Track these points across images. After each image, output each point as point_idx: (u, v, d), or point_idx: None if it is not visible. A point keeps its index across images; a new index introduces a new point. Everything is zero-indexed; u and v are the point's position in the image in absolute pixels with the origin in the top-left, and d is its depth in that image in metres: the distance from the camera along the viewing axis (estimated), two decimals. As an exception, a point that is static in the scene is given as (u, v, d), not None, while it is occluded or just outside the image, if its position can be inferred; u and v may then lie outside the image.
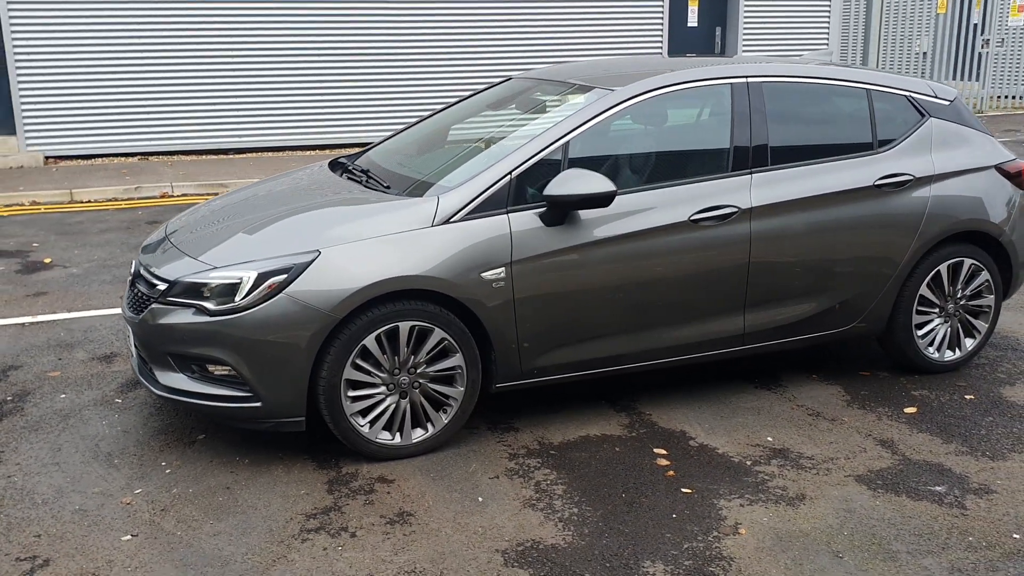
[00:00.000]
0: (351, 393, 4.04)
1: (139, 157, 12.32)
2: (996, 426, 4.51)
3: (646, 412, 4.68)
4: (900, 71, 18.45)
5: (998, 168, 5.15)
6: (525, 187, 4.27)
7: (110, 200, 10.28)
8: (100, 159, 12.18)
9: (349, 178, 4.84)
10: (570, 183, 4.13)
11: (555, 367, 4.38)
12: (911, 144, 4.97)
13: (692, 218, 4.43)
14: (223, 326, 3.91)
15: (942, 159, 5.00)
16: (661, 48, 14.72)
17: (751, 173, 4.60)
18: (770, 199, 4.59)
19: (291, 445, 4.29)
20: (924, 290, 5.01)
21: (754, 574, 3.32)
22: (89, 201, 10.25)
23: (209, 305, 3.95)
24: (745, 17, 15.29)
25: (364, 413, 4.09)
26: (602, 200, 4.16)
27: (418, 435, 4.20)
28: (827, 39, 15.62)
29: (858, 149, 4.88)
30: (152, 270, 4.26)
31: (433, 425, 4.22)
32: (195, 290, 4.00)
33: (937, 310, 5.08)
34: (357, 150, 6.22)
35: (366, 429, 4.10)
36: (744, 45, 15.28)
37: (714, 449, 4.28)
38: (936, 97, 5.14)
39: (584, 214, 4.27)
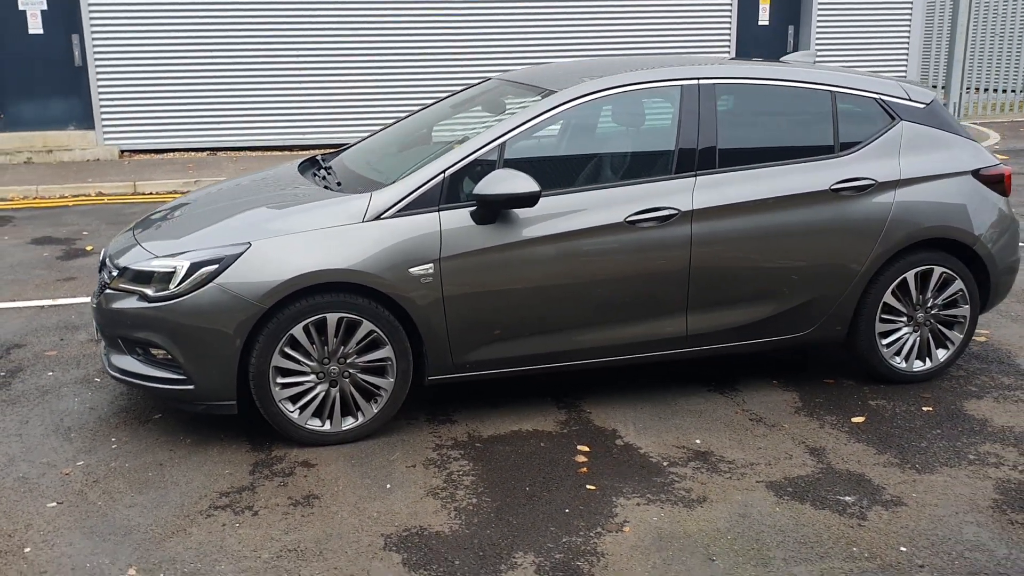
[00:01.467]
0: (280, 380, 4.23)
1: (207, 152, 12.88)
2: (940, 439, 4.40)
3: (586, 410, 4.73)
4: (987, 70, 17.72)
5: (975, 174, 5.00)
6: (459, 186, 4.38)
7: (170, 192, 10.79)
8: (171, 153, 12.79)
9: (313, 176, 5.03)
10: (497, 183, 4.22)
11: (488, 362, 4.48)
12: (877, 148, 4.87)
13: (628, 219, 4.46)
14: (159, 312, 4.16)
15: (911, 163, 4.88)
16: (728, 47, 14.53)
17: (695, 175, 4.60)
18: (714, 202, 4.57)
19: (234, 427, 4.51)
20: (889, 298, 4.90)
21: (618, 571, 3.36)
22: (150, 193, 10.79)
23: (149, 292, 4.20)
24: (819, 14, 14.93)
25: (294, 400, 4.28)
26: (527, 200, 4.24)
27: (348, 423, 4.37)
28: (907, 38, 15.12)
29: (817, 152, 4.81)
30: (110, 258, 4.55)
31: (363, 414, 4.38)
32: (139, 277, 4.26)
33: (904, 319, 4.96)
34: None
35: (296, 415, 4.29)
36: (818, 44, 14.92)
37: (637, 449, 4.31)
38: (910, 100, 5.01)
39: (518, 213, 4.35)
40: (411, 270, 4.24)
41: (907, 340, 5.00)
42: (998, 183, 5.05)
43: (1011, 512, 3.73)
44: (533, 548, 3.50)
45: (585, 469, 4.12)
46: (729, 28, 14.48)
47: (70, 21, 12.39)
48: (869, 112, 4.96)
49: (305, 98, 13.09)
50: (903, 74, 15.02)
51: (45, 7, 12.34)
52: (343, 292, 4.21)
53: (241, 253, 4.16)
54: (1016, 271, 5.21)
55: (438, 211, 4.32)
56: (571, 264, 4.43)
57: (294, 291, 4.14)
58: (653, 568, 3.37)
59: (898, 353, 5.00)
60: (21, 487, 3.99)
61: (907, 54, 15.17)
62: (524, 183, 4.21)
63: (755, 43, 14.87)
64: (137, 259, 4.35)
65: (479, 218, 4.32)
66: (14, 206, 10.13)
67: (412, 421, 4.62)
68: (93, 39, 12.34)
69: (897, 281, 4.89)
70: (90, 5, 12.22)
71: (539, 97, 4.67)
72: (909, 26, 14.99)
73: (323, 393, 4.30)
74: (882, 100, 4.96)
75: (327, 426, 4.35)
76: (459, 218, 4.32)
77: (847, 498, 3.85)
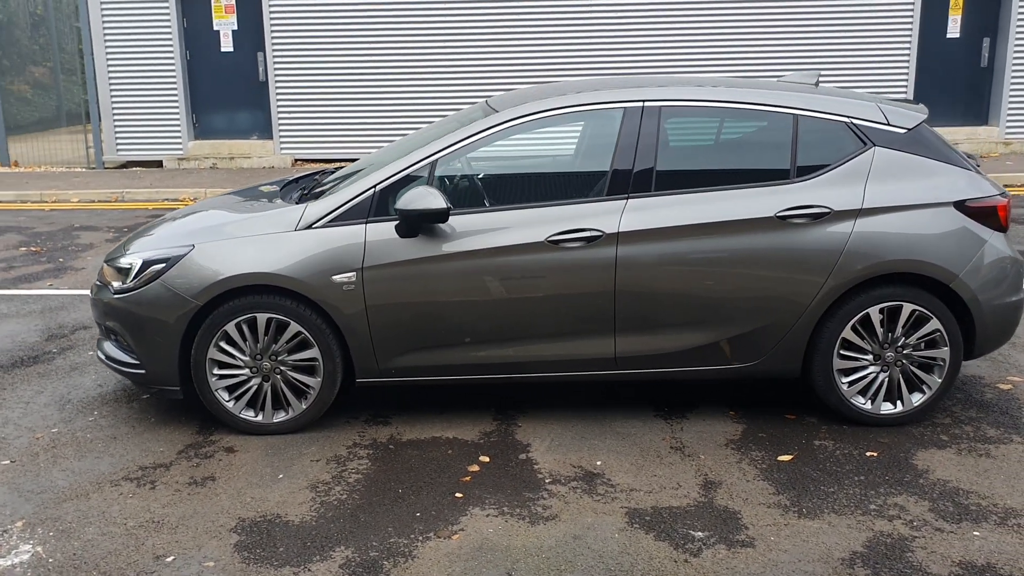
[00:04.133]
0: (217, 371, 4.66)
1: (368, 161, 13.79)
2: (856, 485, 4.14)
3: (518, 423, 4.83)
4: None
5: (959, 205, 4.62)
6: (389, 201, 4.63)
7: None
8: (339, 162, 13.78)
9: (299, 186, 5.43)
10: (414, 199, 4.44)
11: (413, 369, 4.69)
12: (839, 174, 4.63)
13: (550, 239, 4.53)
14: (119, 303, 4.71)
15: (878, 192, 4.59)
16: (908, 64, 13.64)
17: (627, 198, 4.58)
18: (642, 225, 4.54)
19: (200, 414, 4.97)
20: (849, 333, 4.63)
21: (414, 573, 3.49)
22: (299, 198, 11.72)
23: (115, 284, 4.77)
24: (1019, 26, 13.71)
25: (230, 390, 4.70)
26: (437, 216, 4.43)
27: (280, 416, 4.73)
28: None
29: (769, 177, 4.64)
30: (107, 254, 5.18)
31: (293, 409, 4.73)
32: (112, 272, 4.84)
33: (870, 357, 4.67)
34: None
35: (231, 405, 4.71)
36: (1016, 59, 13.71)
37: (534, 464, 4.38)
38: (888, 125, 4.71)
39: (442, 229, 4.55)
40: (334, 277, 4.54)
41: (874, 380, 4.70)
42: (988, 216, 4.64)
43: (857, 567, 3.49)
44: (357, 545, 3.70)
45: (468, 478, 4.25)
46: (909, 43, 13.61)
47: (256, 40, 13.68)
48: (838, 137, 4.71)
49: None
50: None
51: (236, 27, 13.70)
52: (272, 294, 4.58)
53: (185, 254, 4.63)
54: (1017, 314, 4.76)
55: (365, 223, 4.59)
56: (490, 280, 4.55)
57: (226, 291, 4.55)
58: (447, 574, 3.47)
59: (862, 393, 4.71)
60: (-6, 446, 4.67)
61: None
62: (435, 200, 4.39)
63: (941, 59, 13.90)
64: (115, 255, 4.93)
65: (401, 231, 4.55)
66: (176, 205, 11.35)
67: (351, 420, 4.91)
68: (274, 56, 13.55)
69: (859, 316, 4.61)
70: (272, 26, 13.44)
71: (483, 116, 4.82)
72: None
73: (256, 386, 4.69)
74: (854, 125, 4.70)
75: (260, 417, 4.73)
76: (384, 231, 4.57)
77: (698, 534, 3.75)
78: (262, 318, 4.59)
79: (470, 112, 5.43)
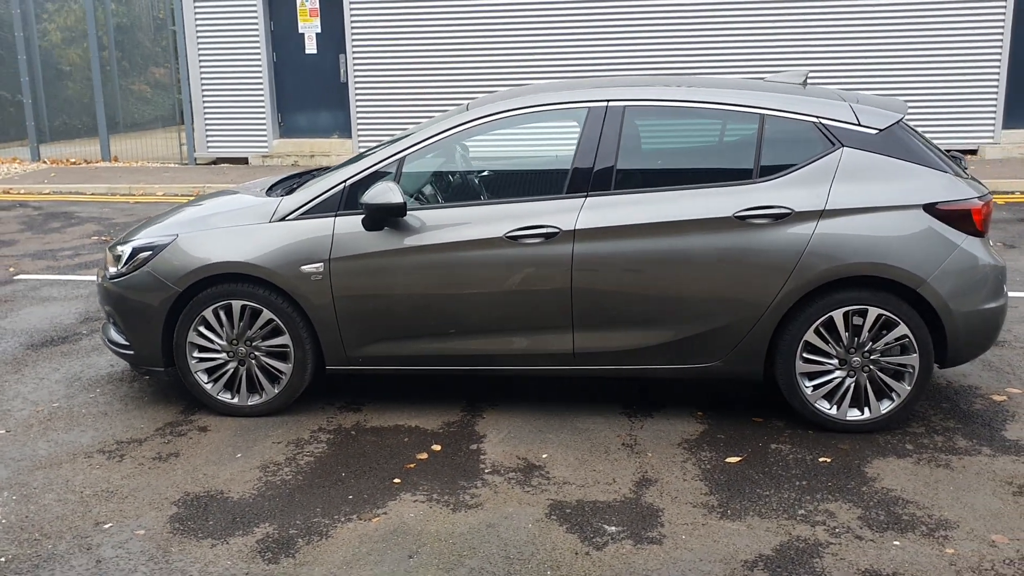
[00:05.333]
0: (196, 354, 4.93)
1: (441, 160, 14.07)
2: (794, 490, 4.08)
3: (483, 415, 4.93)
4: None
5: (930, 208, 4.49)
6: (358, 196, 4.81)
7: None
8: (412, 161, 14.11)
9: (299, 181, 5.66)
10: (376, 194, 4.60)
11: (379, 358, 4.86)
12: (805, 175, 4.56)
13: (508, 235, 4.61)
14: (112, 287, 5.04)
15: (843, 193, 4.51)
16: (999, 66, 13.03)
17: (586, 196, 4.63)
18: (599, 223, 4.57)
19: (188, 394, 5.26)
20: (812, 336, 4.56)
21: (322, 551, 3.64)
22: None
23: (111, 270, 5.10)
24: None
25: (209, 372, 4.96)
26: (395, 210, 4.57)
27: (254, 399, 4.97)
28: None
29: (732, 177, 4.61)
30: (111, 243, 5.53)
31: (267, 393, 4.95)
32: (110, 258, 5.18)
33: (835, 361, 4.59)
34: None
35: (209, 386, 4.97)
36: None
37: (481, 455, 4.47)
38: (858, 125, 4.61)
39: (408, 222, 4.69)
40: (302, 268, 4.74)
41: (840, 385, 4.61)
42: (960, 220, 4.48)
43: (757, 570, 3.46)
44: (281, 523, 3.87)
45: (413, 465, 4.38)
46: (1000, 45, 13.00)
47: (338, 42, 14.14)
48: (806, 137, 4.63)
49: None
50: None
51: (319, 30, 14.18)
52: (246, 283, 4.81)
53: (168, 243, 4.91)
54: (995, 321, 4.59)
55: (335, 217, 4.78)
56: (451, 273, 4.67)
57: (203, 278, 4.81)
58: (352, 554, 3.61)
59: (828, 398, 4.63)
60: (-1, 416, 5.06)
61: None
62: (393, 196, 4.54)
63: (1034, 60, 13.22)
64: (115, 243, 5.27)
65: (367, 225, 4.71)
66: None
67: (326, 405, 5.11)
68: (354, 58, 13.98)
69: (822, 319, 4.54)
70: (353, 29, 13.86)
71: (449, 115, 4.94)
72: None
73: (232, 370, 4.94)
74: (822, 124, 4.62)
75: (236, 400, 4.97)
76: (352, 224, 4.74)
77: (611, 528, 3.78)
78: (237, 305, 4.83)
79: (452, 112, 5.56)
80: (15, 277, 8.08)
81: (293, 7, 14.19)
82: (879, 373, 4.58)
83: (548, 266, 4.60)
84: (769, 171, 4.58)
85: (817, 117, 4.63)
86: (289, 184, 5.52)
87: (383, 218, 4.66)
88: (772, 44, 13.24)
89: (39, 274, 8.18)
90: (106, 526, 3.87)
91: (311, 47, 14.31)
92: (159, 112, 21.00)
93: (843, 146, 4.58)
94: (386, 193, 4.55)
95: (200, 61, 14.43)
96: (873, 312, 4.50)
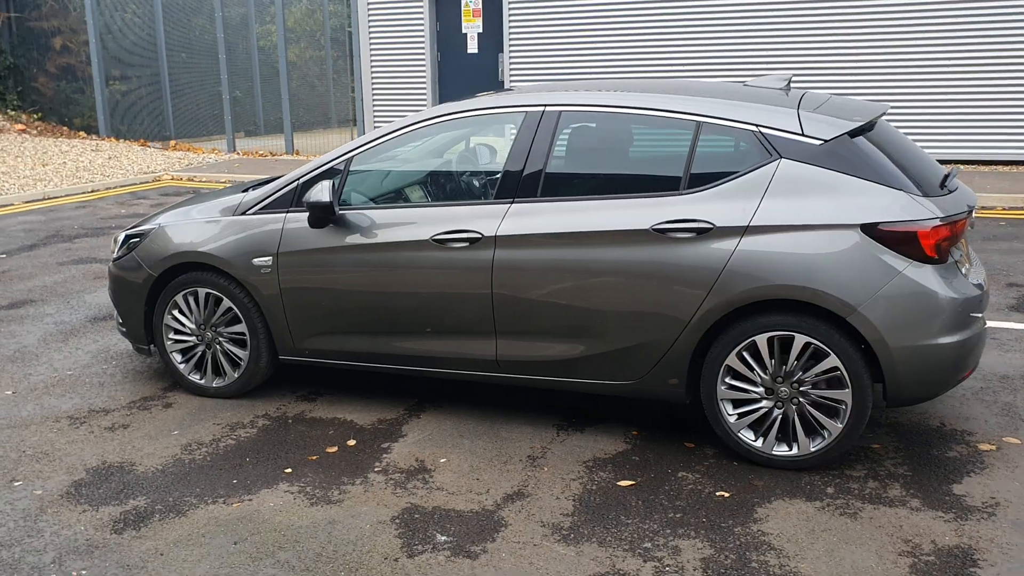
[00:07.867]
0: (172, 336, 5.31)
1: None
2: (656, 523, 3.84)
3: (420, 415, 4.99)
4: None
5: (868, 229, 4.06)
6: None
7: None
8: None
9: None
10: (312, 193, 4.77)
11: (322, 352, 5.02)
12: (734, 187, 4.26)
13: (434, 238, 4.63)
14: (111, 268, 5.52)
15: (773, 208, 4.17)
16: None
17: (512, 202, 4.56)
18: (520, 230, 4.49)
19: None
20: (734, 360, 4.27)
21: (166, 527, 3.84)
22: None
23: (114, 254, 5.59)
24: None
25: (183, 353, 5.33)
26: (324, 209, 4.71)
27: (217, 382, 5.28)
28: None
29: (660, 187, 4.38)
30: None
31: (228, 377, 5.25)
32: (114, 243, 5.67)
33: (760, 390, 4.27)
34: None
35: (182, 367, 5.33)
36: None
37: (385, 453, 4.53)
38: (802, 135, 4.24)
39: (347, 221, 4.83)
40: (254, 260, 4.99)
41: (767, 416, 4.28)
42: (903, 244, 4.02)
43: (543, 597, 3.32)
44: (155, 498, 4.12)
45: (316, 457, 4.51)
46: None
47: (497, 42, 14.43)
48: (743, 146, 4.33)
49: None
50: None
51: (481, 30, 14.54)
52: (210, 272, 5.13)
53: (151, 231, 5.32)
54: (953, 359, 4.09)
55: (286, 212, 4.99)
56: (381, 274, 4.75)
57: (173, 265, 5.17)
58: (187, 534, 3.79)
59: (753, 429, 4.31)
60: (12, 377, 5.65)
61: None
62: (323, 194, 4.69)
63: None
64: (123, 229, 5.76)
65: (311, 222, 4.89)
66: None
67: (288, 393, 5.34)
68: (511, 58, 14.22)
69: (745, 343, 4.23)
70: (511, 29, 14.10)
71: (401, 119, 5.01)
72: None
73: (200, 353, 5.27)
74: (761, 134, 4.28)
75: (203, 381, 5.31)
76: (300, 220, 4.94)
77: (441, 537, 3.73)
78: (202, 292, 5.15)
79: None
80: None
81: (458, 8, 14.62)
82: (809, 407, 4.20)
83: (471, 272, 4.57)
84: (699, 181, 4.31)
85: (756, 125, 4.30)
86: None
87: (323, 216, 4.81)
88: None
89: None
90: (16, 483, 4.28)
91: (472, 47, 14.68)
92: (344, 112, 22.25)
93: (781, 157, 4.23)
94: (319, 192, 4.70)
95: (371, 61, 15.17)
96: (800, 339, 4.14)
